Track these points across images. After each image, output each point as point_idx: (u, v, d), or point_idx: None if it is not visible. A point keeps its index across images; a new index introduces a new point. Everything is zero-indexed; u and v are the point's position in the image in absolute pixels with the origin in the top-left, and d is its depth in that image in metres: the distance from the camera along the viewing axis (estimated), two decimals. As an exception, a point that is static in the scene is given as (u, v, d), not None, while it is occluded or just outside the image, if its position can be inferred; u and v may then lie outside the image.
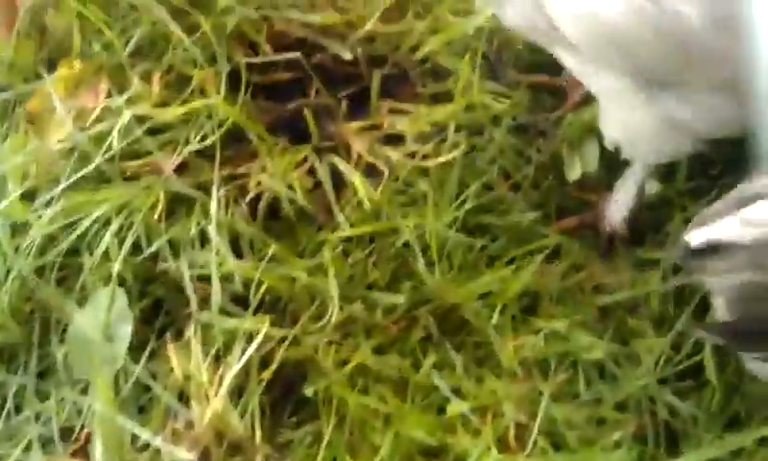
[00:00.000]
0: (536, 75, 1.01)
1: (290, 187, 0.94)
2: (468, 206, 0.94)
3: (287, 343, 0.88)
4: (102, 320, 0.88)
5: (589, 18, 0.71)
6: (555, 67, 0.96)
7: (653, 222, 0.96)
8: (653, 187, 0.96)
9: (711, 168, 0.96)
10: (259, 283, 0.90)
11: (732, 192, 0.72)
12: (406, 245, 0.93)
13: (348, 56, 0.97)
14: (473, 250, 0.95)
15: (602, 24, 0.71)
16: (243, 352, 0.86)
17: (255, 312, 0.89)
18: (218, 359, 0.88)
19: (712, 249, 0.68)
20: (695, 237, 0.69)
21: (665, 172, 0.96)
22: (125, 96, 0.93)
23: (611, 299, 0.90)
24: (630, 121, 0.83)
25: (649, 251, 0.94)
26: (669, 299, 0.91)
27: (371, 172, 0.97)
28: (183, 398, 0.87)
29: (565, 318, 0.88)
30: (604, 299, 0.91)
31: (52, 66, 1.02)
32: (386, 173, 0.96)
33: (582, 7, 0.71)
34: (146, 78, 0.97)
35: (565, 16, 0.72)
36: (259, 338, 0.85)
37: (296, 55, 0.97)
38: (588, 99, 0.98)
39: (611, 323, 0.90)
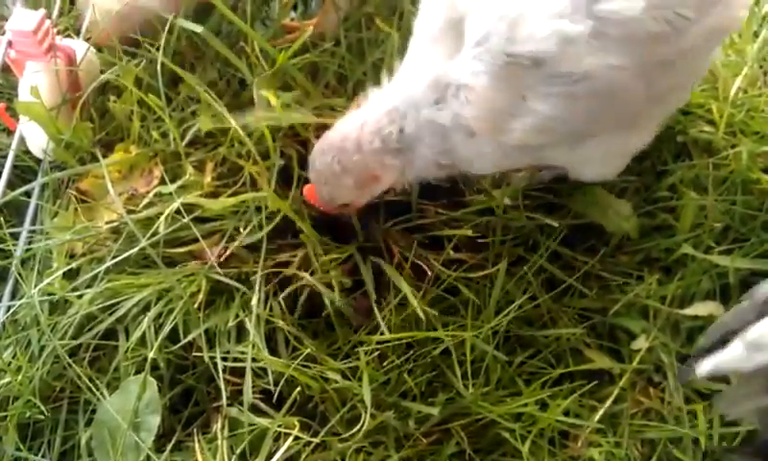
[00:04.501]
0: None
1: (330, 285, 0.94)
2: (509, 316, 0.92)
3: (316, 446, 0.86)
4: (131, 408, 0.87)
5: None
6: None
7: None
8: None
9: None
10: (292, 381, 0.88)
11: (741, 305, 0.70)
12: (444, 352, 0.92)
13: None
14: (513, 365, 0.92)
15: None
16: (270, 453, 0.84)
17: (286, 410, 0.88)
18: (244, 458, 0.86)
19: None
20: (702, 368, 0.68)
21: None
22: (177, 184, 0.94)
23: (656, 433, 0.87)
24: None
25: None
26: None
27: (413, 275, 0.96)
28: (207, 495, 0.84)
29: (606, 447, 0.85)
30: (649, 431, 0.88)
31: (108, 148, 1.03)
32: (429, 277, 0.95)
33: None
34: (199, 167, 0.98)
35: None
36: (288, 441, 0.83)
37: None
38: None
39: (654, 454, 0.87)
